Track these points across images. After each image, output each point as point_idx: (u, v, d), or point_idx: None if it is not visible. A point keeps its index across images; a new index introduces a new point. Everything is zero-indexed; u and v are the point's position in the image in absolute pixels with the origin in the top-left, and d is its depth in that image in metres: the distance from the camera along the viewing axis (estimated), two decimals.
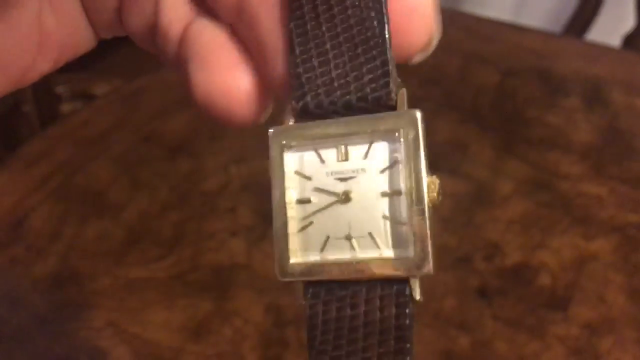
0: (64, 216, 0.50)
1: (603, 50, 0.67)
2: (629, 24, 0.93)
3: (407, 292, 0.17)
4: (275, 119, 0.19)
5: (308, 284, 0.18)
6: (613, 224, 0.48)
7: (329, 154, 0.18)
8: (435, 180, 0.17)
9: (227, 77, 0.19)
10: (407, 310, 0.17)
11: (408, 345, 0.17)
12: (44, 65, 0.21)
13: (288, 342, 0.42)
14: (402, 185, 0.17)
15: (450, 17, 0.69)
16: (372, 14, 0.18)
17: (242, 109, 0.19)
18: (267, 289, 0.45)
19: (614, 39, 0.89)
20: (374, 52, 0.17)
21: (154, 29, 0.21)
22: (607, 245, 0.47)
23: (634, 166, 0.53)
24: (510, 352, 0.41)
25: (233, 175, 0.53)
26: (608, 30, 0.96)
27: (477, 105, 0.58)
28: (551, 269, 0.46)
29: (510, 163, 0.53)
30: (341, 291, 0.17)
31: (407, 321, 0.17)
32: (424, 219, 0.17)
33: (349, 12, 0.18)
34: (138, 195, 0.52)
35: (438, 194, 0.17)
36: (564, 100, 0.59)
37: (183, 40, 0.20)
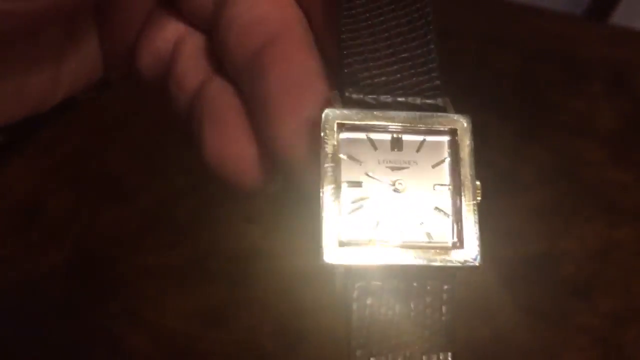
0: (79, 202, 0.50)
1: (627, 34, 0.65)
2: None
3: (452, 286, 0.17)
4: None
5: (350, 274, 0.17)
6: (638, 212, 0.47)
7: (382, 142, 0.18)
8: (479, 184, 0.18)
9: (238, 145, 0.19)
10: (451, 306, 0.17)
11: (452, 340, 0.17)
12: (58, 94, 0.21)
13: (306, 330, 0.41)
14: (454, 182, 0.18)
15: (470, 1, 0.68)
16: (417, 15, 0.19)
17: (250, 176, 0.19)
18: (285, 276, 0.44)
19: (638, 22, 0.87)
20: (425, 57, 0.18)
21: (166, 74, 0.21)
22: (633, 233, 0.46)
23: None
24: (532, 341, 0.41)
25: None
26: (632, 13, 0.94)
27: (498, 90, 0.57)
28: (575, 257, 0.45)
29: (532, 149, 0.52)
30: (385, 282, 0.17)
31: (452, 316, 0.17)
32: (474, 214, 0.17)
33: (397, 12, 0.19)
34: (154, 182, 0.51)
35: (480, 196, 0.18)
36: (587, 85, 0.57)
37: (199, 97, 0.20)
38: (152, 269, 0.45)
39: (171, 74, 0.21)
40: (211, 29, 0.20)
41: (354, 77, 0.18)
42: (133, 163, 0.53)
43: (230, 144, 0.19)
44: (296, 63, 0.18)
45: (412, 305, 0.17)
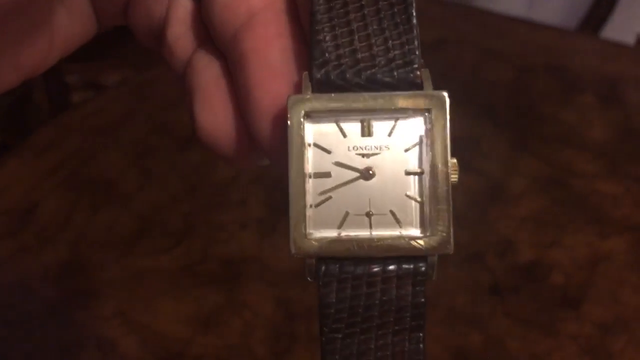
0: (74, 205, 0.50)
1: (618, 48, 0.66)
2: None
3: (424, 270, 0.17)
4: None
5: (321, 262, 0.17)
6: (628, 223, 0.48)
7: (352, 128, 0.17)
8: (454, 162, 0.17)
9: (224, 118, 0.19)
10: (423, 289, 0.17)
11: (422, 322, 0.17)
12: (53, 57, 0.21)
13: (298, 336, 0.41)
14: (427, 165, 0.17)
15: (465, 13, 0.68)
16: None
17: (236, 149, 0.19)
18: (277, 282, 0.44)
19: (629, 37, 0.88)
20: (401, 28, 0.17)
21: (160, 36, 0.21)
22: (622, 244, 0.46)
23: None
24: (522, 350, 0.41)
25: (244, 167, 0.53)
26: (622, 28, 0.95)
27: (492, 101, 0.57)
28: (564, 267, 0.45)
29: (524, 160, 0.52)
30: (357, 269, 0.17)
31: (423, 299, 0.17)
32: (447, 199, 0.17)
33: None
34: (148, 186, 0.52)
35: (457, 174, 0.17)
36: (578, 97, 0.58)
37: (189, 68, 0.20)
38: (145, 273, 0.45)
39: (163, 39, 0.21)
40: None
41: (323, 57, 0.17)
42: (128, 166, 0.53)
43: (216, 117, 0.19)
44: (274, 48, 0.18)
45: (382, 290, 0.17)
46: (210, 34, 0.20)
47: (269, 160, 0.19)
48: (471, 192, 0.49)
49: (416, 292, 0.17)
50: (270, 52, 0.18)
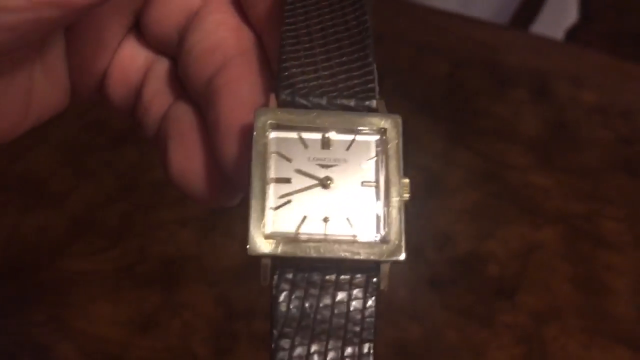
0: (3, 206, 0.48)
1: (549, 43, 0.68)
2: (571, 17, 0.95)
3: (376, 279, 0.18)
4: None
5: (276, 265, 0.18)
6: (559, 214, 0.50)
7: (313, 140, 0.18)
8: (407, 182, 0.18)
9: (198, 163, 0.20)
10: (374, 298, 0.18)
11: (372, 332, 0.18)
12: (26, 125, 0.21)
13: (239, 335, 0.41)
14: (382, 179, 0.18)
15: (402, 8, 0.69)
16: (355, 22, 0.19)
17: (210, 193, 0.20)
18: (218, 281, 0.44)
19: (557, 32, 0.92)
20: (360, 63, 0.19)
21: (136, 99, 0.22)
22: (553, 235, 0.48)
23: (579, 158, 0.54)
24: (460, 341, 0.42)
25: None
26: (551, 23, 0.98)
27: (428, 96, 0.58)
28: (499, 258, 0.46)
29: (461, 154, 0.54)
30: (311, 274, 0.18)
31: (374, 308, 0.18)
32: (400, 210, 0.18)
33: (335, 20, 0.20)
34: (82, 185, 0.50)
35: (409, 193, 0.18)
36: (511, 92, 0.60)
37: (164, 120, 0.21)
38: (79, 275, 0.44)
39: (140, 100, 0.22)
40: (176, 56, 0.21)
41: (289, 80, 0.19)
42: (59, 165, 0.51)
43: (191, 162, 0.20)
44: (245, 84, 0.19)
45: (335, 297, 0.18)
46: (186, 87, 0.21)
47: (236, 187, 0.20)
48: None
49: (368, 300, 0.18)
50: (241, 85, 0.19)
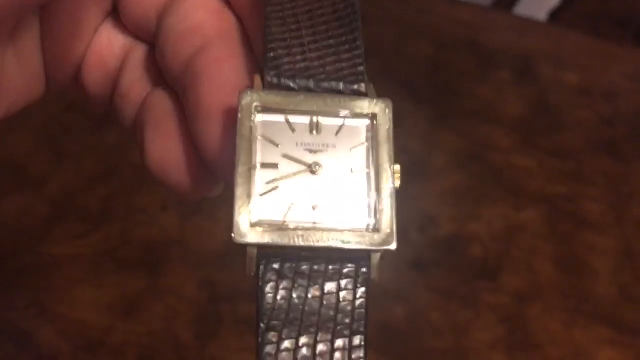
0: None
1: (531, 24, 0.68)
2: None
3: (367, 269, 0.17)
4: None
5: (263, 255, 0.17)
6: (541, 195, 0.50)
7: (301, 124, 0.18)
8: (398, 168, 0.18)
9: (176, 152, 0.19)
10: (365, 289, 0.17)
11: (364, 323, 0.17)
12: None
13: (223, 318, 0.41)
14: (372, 165, 0.18)
15: None
16: (343, 5, 0.19)
17: (189, 182, 0.19)
18: (201, 265, 0.44)
19: (540, 14, 0.91)
20: (348, 46, 0.18)
21: (114, 87, 0.21)
22: (536, 216, 0.48)
23: (561, 139, 0.54)
24: (443, 321, 0.42)
25: None
26: (534, 4, 0.98)
27: (412, 77, 0.58)
28: (482, 239, 0.47)
29: (444, 135, 0.53)
30: (299, 264, 0.17)
31: (365, 300, 0.17)
32: (391, 197, 0.17)
33: (323, 2, 0.19)
34: (62, 168, 0.49)
35: (399, 179, 0.18)
36: (495, 73, 0.60)
37: (141, 108, 0.20)
38: (60, 260, 0.44)
39: (118, 88, 0.21)
40: (155, 40, 0.20)
41: (276, 62, 0.18)
42: (38, 148, 0.51)
43: (169, 151, 0.19)
44: (227, 67, 0.19)
45: (325, 288, 0.17)
46: (163, 71, 0.20)
47: (217, 175, 0.19)
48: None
49: (358, 291, 0.17)
50: (223, 67, 0.19)
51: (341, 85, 0.18)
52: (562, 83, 0.59)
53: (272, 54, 0.18)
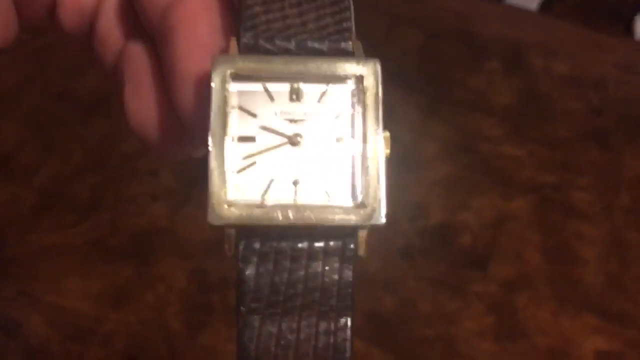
0: None
1: (522, 13, 0.68)
2: None
3: (353, 245, 0.16)
4: None
5: (242, 234, 0.16)
6: (531, 185, 0.50)
7: (280, 92, 0.16)
8: (387, 136, 0.16)
9: (154, 108, 0.18)
10: (352, 265, 0.16)
11: (350, 304, 0.16)
12: None
13: (213, 307, 0.41)
14: (359, 133, 0.16)
15: None
16: None
17: (167, 140, 0.18)
18: (191, 254, 0.43)
19: (531, 3, 0.91)
20: None
21: (91, 31, 0.20)
22: (525, 205, 0.49)
23: (551, 128, 0.55)
24: (432, 310, 0.42)
25: None
26: None
27: (403, 67, 0.58)
28: (472, 228, 0.47)
29: (435, 125, 0.54)
30: (280, 243, 0.16)
31: (351, 277, 0.16)
32: (378, 169, 0.16)
33: None
34: (51, 158, 0.49)
35: (389, 147, 0.16)
36: (486, 63, 0.60)
37: (120, 59, 0.19)
38: (49, 249, 0.43)
39: (94, 33, 0.20)
40: None
41: (252, 21, 0.16)
42: (27, 138, 0.50)
43: (147, 109, 0.18)
44: (202, 23, 0.17)
45: (308, 267, 0.16)
46: (140, 19, 0.19)
47: (195, 139, 0.18)
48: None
49: (344, 269, 0.16)
50: (198, 24, 0.17)
51: (325, 45, 0.16)
52: (553, 73, 0.59)
53: (248, 12, 0.16)
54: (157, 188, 0.47)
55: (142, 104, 0.18)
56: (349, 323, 0.16)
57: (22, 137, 0.50)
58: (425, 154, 0.51)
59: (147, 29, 0.19)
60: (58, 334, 0.39)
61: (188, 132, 0.18)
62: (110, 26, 0.20)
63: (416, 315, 0.42)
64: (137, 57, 0.19)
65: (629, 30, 0.75)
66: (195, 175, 0.47)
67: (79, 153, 0.49)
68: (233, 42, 0.16)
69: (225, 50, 0.17)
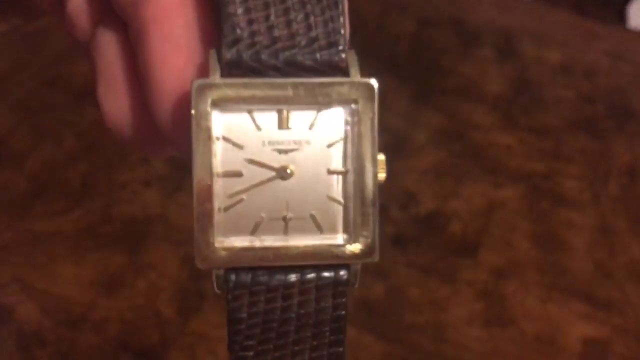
0: None
1: (514, 1, 0.68)
2: None
3: (346, 279, 0.15)
4: None
5: (231, 270, 0.15)
6: (520, 173, 0.50)
7: (267, 119, 0.15)
8: (382, 159, 0.15)
9: (127, 106, 0.17)
10: (344, 300, 0.15)
11: (342, 336, 0.16)
12: None
13: (205, 294, 0.41)
14: (352, 163, 0.15)
15: None
16: None
17: (141, 137, 0.17)
18: (183, 241, 0.44)
19: None
20: (324, 3, 0.15)
21: (62, 9, 0.19)
22: (515, 193, 0.49)
23: (541, 117, 0.55)
24: (422, 297, 0.43)
25: None
26: None
27: (395, 54, 0.58)
28: (462, 216, 0.47)
29: (426, 113, 0.54)
30: (272, 279, 0.15)
31: (344, 312, 0.15)
32: (373, 201, 0.15)
33: None
34: (42, 144, 0.49)
35: (384, 173, 0.16)
36: (477, 50, 0.60)
37: (92, 44, 0.18)
38: (41, 236, 0.43)
39: (65, 12, 0.19)
40: None
41: (234, 34, 0.15)
42: (18, 124, 0.50)
43: (120, 104, 0.17)
44: (177, 19, 0.16)
45: (300, 303, 0.15)
46: (111, 2, 0.18)
47: (176, 151, 0.17)
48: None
49: (337, 304, 0.15)
50: (173, 23, 0.16)
51: (317, 59, 0.15)
52: (544, 61, 0.59)
53: (230, 22, 0.15)
54: (149, 175, 0.48)
55: (116, 104, 0.17)
56: (341, 354, 0.16)
57: (13, 122, 0.50)
58: (416, 142, 0.52)
59: (118, 10, 0.18)
60: (50, 321, 0.39)
61: (168, 139, 0.17)
62: (80, 9, 0.18)
63: (406, 302, 0.42)
64: (109, 47, 0.18)
65: (620, 18, 0.76)
66: (187, 162, 0.47)
67: (70, 139, 0.49)
68: (213, 57, 0.15)
69: (204, 64, 0.15)
